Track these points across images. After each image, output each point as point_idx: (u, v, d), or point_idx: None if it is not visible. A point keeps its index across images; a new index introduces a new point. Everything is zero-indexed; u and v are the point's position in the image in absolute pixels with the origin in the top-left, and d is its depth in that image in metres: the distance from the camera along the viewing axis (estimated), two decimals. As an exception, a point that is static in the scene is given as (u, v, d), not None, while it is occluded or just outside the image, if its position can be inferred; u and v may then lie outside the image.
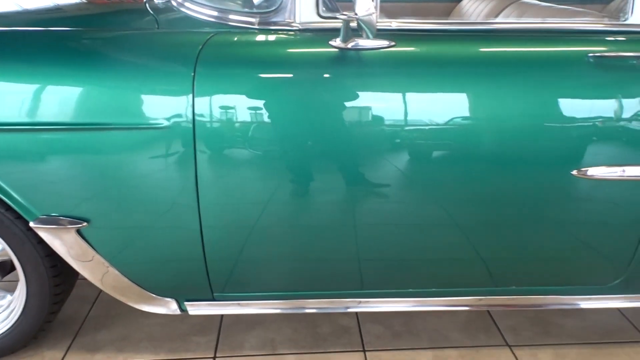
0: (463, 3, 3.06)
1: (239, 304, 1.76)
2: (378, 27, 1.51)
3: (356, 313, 2.11)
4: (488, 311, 2.13)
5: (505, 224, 1.64)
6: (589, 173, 1.54)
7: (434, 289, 1.80)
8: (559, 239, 1.66)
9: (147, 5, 1.76)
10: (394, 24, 1.53)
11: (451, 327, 2.05)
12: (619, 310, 2.16)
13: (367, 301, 1.80)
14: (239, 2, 1.69)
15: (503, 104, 1.49)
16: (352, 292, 1.79)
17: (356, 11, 1.37)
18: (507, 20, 1.56)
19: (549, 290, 1.79)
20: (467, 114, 1.49)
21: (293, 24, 1.53)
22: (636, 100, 1.50)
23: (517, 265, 1.73)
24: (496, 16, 2.45)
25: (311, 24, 1.52)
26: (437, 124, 1.48)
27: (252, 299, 1.77)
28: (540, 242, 1.67)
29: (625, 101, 1.51)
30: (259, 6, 1.60)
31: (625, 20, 1.57)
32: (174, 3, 1.73)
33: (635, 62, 1.50)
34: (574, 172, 1.54)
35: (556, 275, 1.76)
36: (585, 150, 1.53)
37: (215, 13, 1.62)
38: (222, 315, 2.09)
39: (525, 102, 1.50)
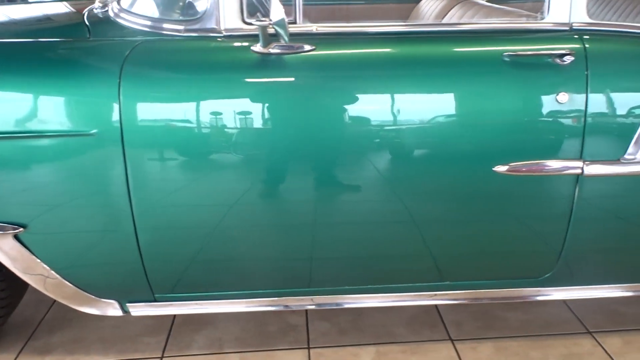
0: (421, 3, 3.11)
1: (181, 304, 1.81)
2: (303, 32, 1.57)
3: (306, 311, 2.16)
4: (436, 307, 2.18)
5: (434, 220, 1.68)
6: (510, 169, 1.58)
7: (374, 286, 1.84)
8: (490, 233, 1.71)
9: (85, 16, 1.81)
10: (315, 28, 1.58)
11: (397, 322, 2.09)
12: (565, 302, 2.20)
13: (314, 299, 1.85)
14: (171, 10, 1.74)
15: (422, 104, 1.54)
16: (300, 290, 1.84)
17: (270, 17, 1.42)
18: (425, 22, 1.61)
19: (486, 284, 1.83)
20: (387, 115, 1.53)
21: (218, 31, 1.57)
22: (551, 97, 1.54)
23: (451, 260, 1.76)
24: (445, 15, 2.50)
25: (236, 30, 1.57)
26: (359, 125, 1.53)
27: (194, 299, 1.81)
28: (472, 237, 1.71)
29: (541, 98, 1.55)
30: (185, 14, 1.64)
31: (542, 19, 1.61)
32: (111, 14, 1.78)
33: (549, 59, 1.54)
34: (496, 168, 1.58)
35: (491, 269, 1.80)
36: (505, 147, 1.57)
37: (147, 22, 1.66)
38: (174, 316, 2.14)
39: (444, 102, 1.55)
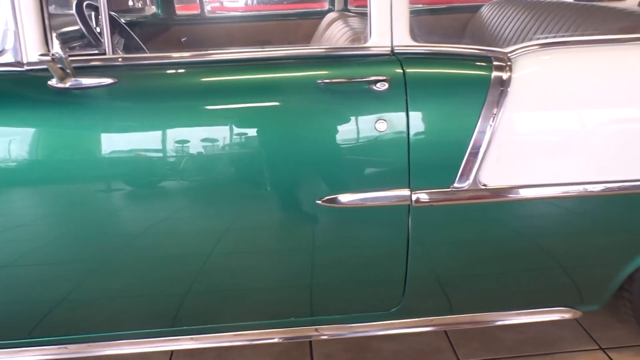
0: (323, 20, 3.05)
1: (14, 351, 1.71)
2: (108, 64, 1.50)
3: (172, 350, 2.06)
4: (310, 340, 2.09)
5: (268, 254, 1.61)
6: (333, 201, 1.50)
7: (239, 323, 1.76)
8: (328, 268, 1.62)
9: None
10: (120, 59, 1.50)
11: (266, 358, 2.00)
12: (445, 332, 2.12)
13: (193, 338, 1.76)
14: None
15: (229, 137, 1.46)
16: (163, 331, 1.75)
17: (53, 51, 1.35)
18: (236, 50, 1.53)
19: (341, 319, 1.74)
20: (193, 149, 1.45)
21: (21, 65, 1.49)
22: (370, 125, 1.46)
23: (296, 295, 1.68)
24: (323, 34, 2.44)
25: (39, 64, 1.48)
26: (162, 160, 1.45)
27: (32, 345, 1.72)
28: (312, 272, 1.63)
29: (360, 126, 1.48)
30: (-11, 48, 1.56)
31: (365, 43, 1.54)
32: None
33: (366, 86, 1.47)
34: (319, 201, 1.50)
35: (342, 303, 1.72)
36: (326, 179, 1.50)
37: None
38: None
39: (255, 133, 1.47)
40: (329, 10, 3.26)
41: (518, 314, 1.73)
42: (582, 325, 2.10)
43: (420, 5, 3.50)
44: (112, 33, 1.87)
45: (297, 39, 3.11)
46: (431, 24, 3.07)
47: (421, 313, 1.74)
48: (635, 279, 1.73)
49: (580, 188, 1.53)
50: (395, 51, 1.52)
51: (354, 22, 2.24)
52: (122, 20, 2.67)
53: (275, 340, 1.79)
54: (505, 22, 2.59)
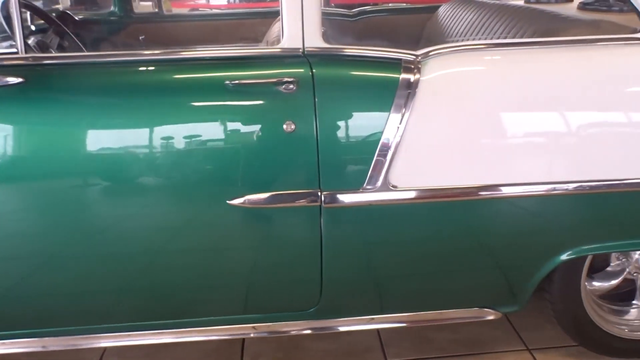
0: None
1: None
2: (21, 63, 1.50)
3: (105, 348, 2.07)
4: (243, 339, 2.10)
5: (185, 254, 1.61)
6: (245, 202, 1.50)
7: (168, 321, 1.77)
8: (244, 268, 1.63)
9: None
10: (31, 59, 1.51)
11: (195, 356, 2.00)
12: (378, 330, 2.13)
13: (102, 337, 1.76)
14: None
15: (140, 136, 1.47)
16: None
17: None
18: (153, 51, 1.54)
19: (255, 318, 1.74)
20: (104, 149, 1.46)
21: None
22: (278, 126, 1.47)
23: (215, 295, 1.70)
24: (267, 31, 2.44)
25: (-53, 64, 1.49)
26: (70, 158, 1.46)
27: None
28: (228, 272, 1.64)
29: (267, 127, 1.48)
30: None
31: (277, 45, 1.55)
32: None
33: (274, 87, 1.47)
34: (231, 201, 1.50)
35: (260, 303, 1.73)
36: (236, 179, 1.50)
37: None
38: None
39: (166, 133, 1.47)
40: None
41: (439, 314, 1.74)
42: (514, 326, 2.12)
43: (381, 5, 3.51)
44: (44, 31, 1.87)
45: (252, 38, 3.11)
46: (386, 25, 3.08)
47: (343, 312, 1.74)
48: (554, 280, 1.74)
49: (491, 190, 1.54)
50: (306, 53, 1.52)
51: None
52: (76, 19, 2.67)
53: (201, 338, 1.80)
54: (454, 23, 2.60)
